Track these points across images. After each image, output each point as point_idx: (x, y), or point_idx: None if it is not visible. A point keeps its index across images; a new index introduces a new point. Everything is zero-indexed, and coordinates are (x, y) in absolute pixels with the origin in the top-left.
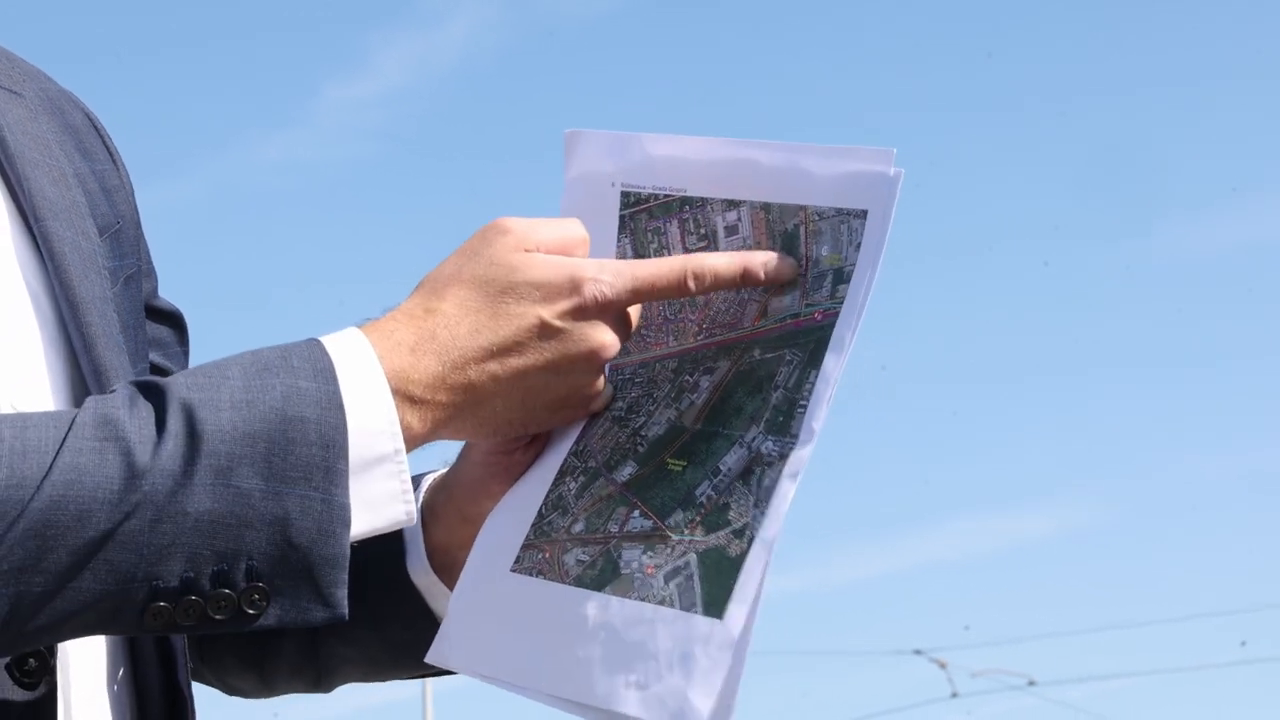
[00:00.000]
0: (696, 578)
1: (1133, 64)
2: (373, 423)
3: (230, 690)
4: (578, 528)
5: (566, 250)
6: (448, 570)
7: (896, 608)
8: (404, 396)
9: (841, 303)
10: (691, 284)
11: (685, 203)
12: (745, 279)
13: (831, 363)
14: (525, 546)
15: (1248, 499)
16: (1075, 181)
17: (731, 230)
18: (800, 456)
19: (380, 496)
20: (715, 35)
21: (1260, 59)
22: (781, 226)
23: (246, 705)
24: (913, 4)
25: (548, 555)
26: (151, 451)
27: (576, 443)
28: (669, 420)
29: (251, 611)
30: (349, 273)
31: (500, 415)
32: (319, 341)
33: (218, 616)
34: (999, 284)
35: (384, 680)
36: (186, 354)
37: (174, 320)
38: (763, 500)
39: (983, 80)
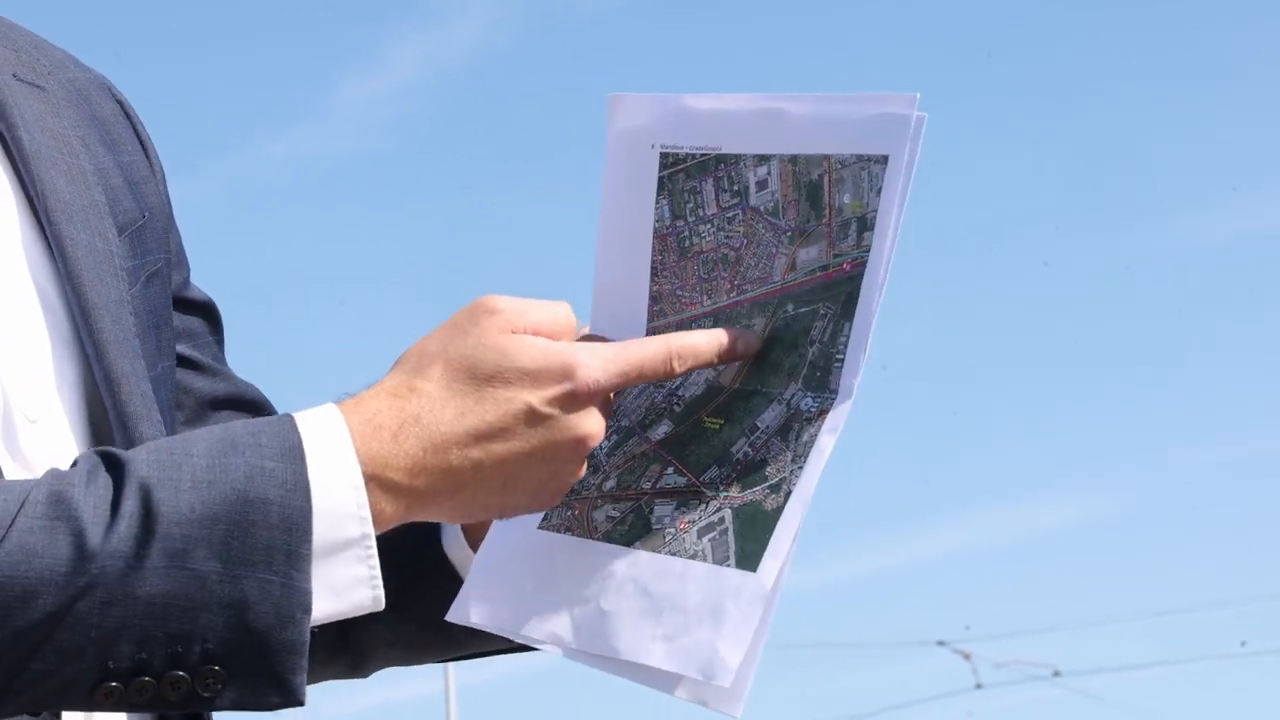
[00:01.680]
0: (731, 533)
1: (1131, 62)
2: (340, 506)
3: None
4: (609, 485)
5: (556, 335)
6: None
7: (920, 599)
8: (379, 482)
9: (868, 252)
10: (676, 365)
11: (720, 160)
12: (722, 355)
13: (863, 315)
14: (555, 505)
15: (1269, 485)
16: (1075, 180)
17: (761, 185)
18: (840, 412)
19: (345, 581)
20: (724, 31)
21: (1259, 56)
22: (807, 178)
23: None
24: (913, 3)
25: (577, 512)
26: (104, 533)
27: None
28: (707, 380)
29: (206, 694)
30: (362, 269)
31: (477, 500)
32: (292, 418)
33: (171, 698)
34: (999, 281)
35: (421, 662)
36: (220, 343)
37: (206, 310)
38: (800, 456)
39: (983, 79)
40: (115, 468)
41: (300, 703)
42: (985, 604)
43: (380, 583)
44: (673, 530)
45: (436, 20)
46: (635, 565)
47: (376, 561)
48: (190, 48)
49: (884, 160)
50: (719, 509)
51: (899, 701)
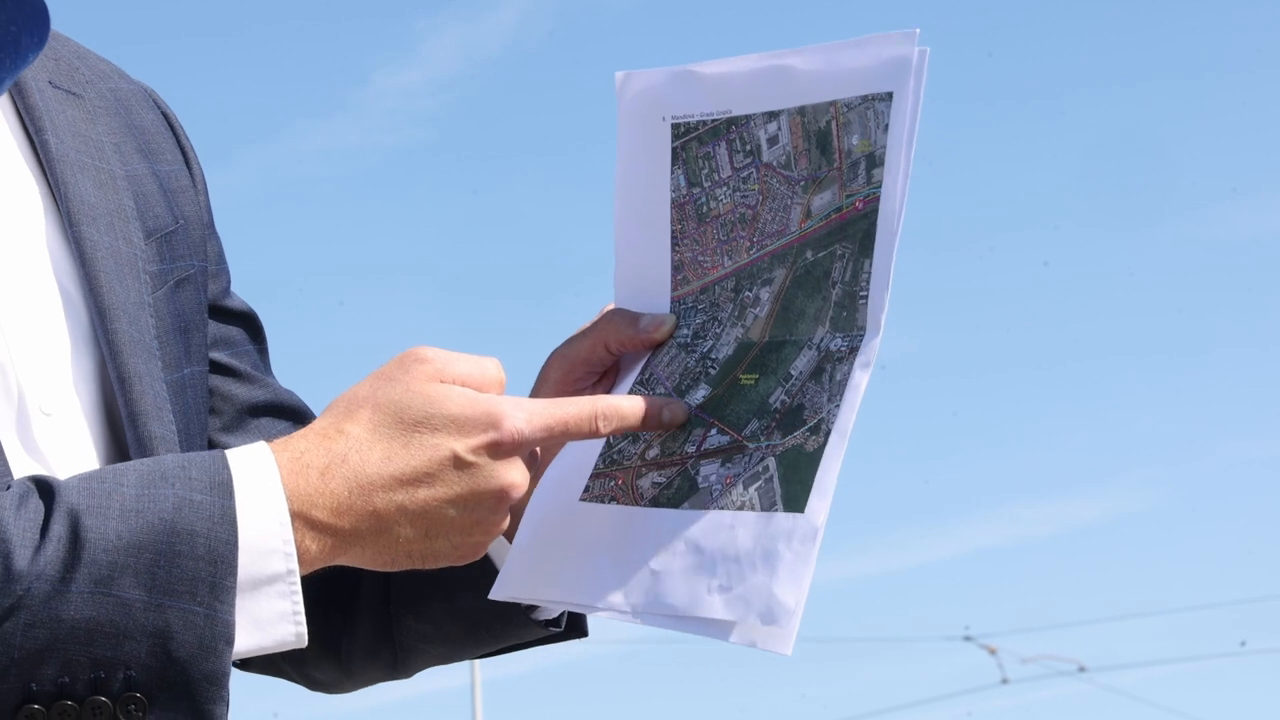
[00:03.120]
0: (776, 479)
1: (1132, 60)
2: (266, 542)
3: (312, 684)
4: (652, 453)
5: (482, 387)
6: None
7: (947, 594)
8: (305, 520)
9: (879, 187)
10: (600, 425)
11: (731, 123)
12: (646, 422)
13: (883, 248)
14: (594, 476)
15: None
16: (1076, 179)
17: (773, 141)
18: (871, 347)
19: (269, 615)
20: (749, 23)
21: (1261, 54)
22: (815, 126)
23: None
24: (913, 3)
25: (620, 482)
26: (31, 555)
27: (641, 372)
28: (736, 339)
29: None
30: (394, 260)
31: (400, 546)
32: (223, 454)
33: None
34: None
35: (460, 659)
36: (262, 352)
37: (246, 320)
38: (835, 394)
39: (982, 78)
40: (46, 494)
41: None
42: (1011, 599)
43: (303, 619)
44: (720, 487)
45: (473, 10)
46: (685, 524)
47: (300, 598)
48: (227, 39)
49: (889, 97)
50: (763, 458)
51: (925, 696)
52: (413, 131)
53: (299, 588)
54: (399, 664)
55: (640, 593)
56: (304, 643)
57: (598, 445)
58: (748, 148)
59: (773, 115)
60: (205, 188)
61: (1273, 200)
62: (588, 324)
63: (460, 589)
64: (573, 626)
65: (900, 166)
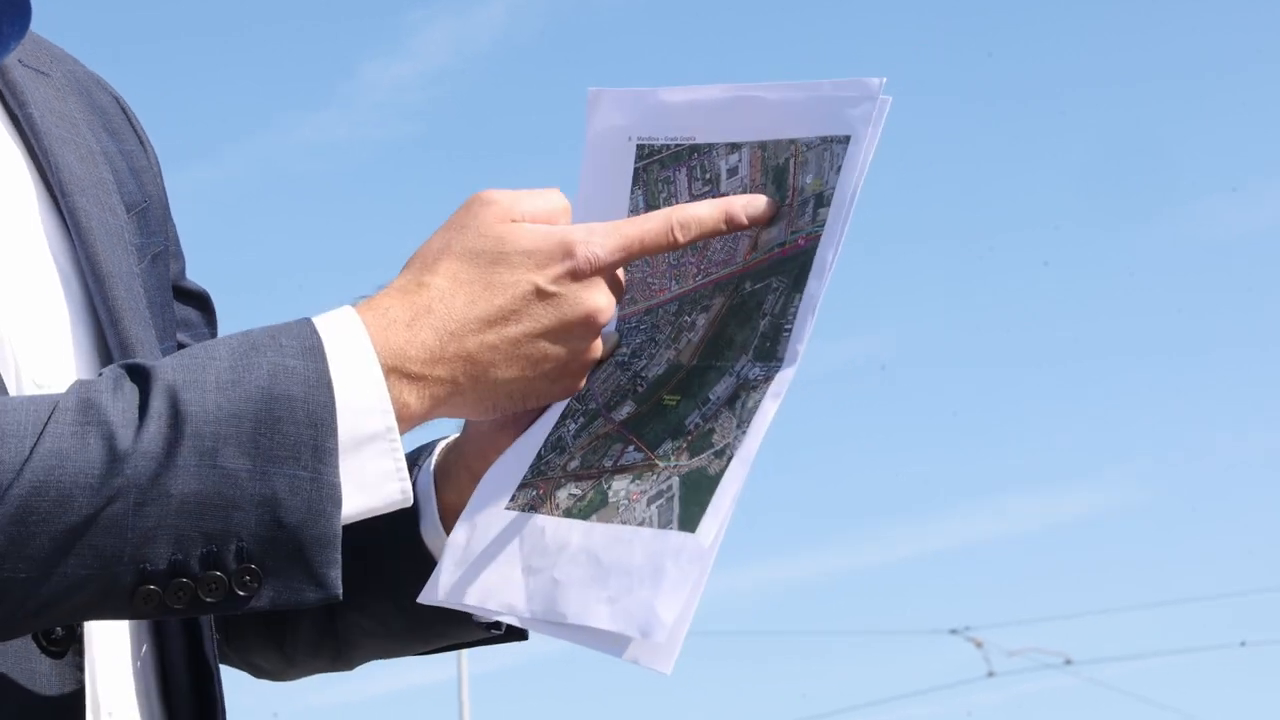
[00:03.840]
0: (676, 499)
1: (1132, 60)
2: (362, 400)
3: (256, 671)
4: (573, 465)
5: (551, 219)
6: None
7: (933, 587)
8: (400, 373)
9: (823, 226)
10: (679, 234)
11: (694, 150)
12: (728, 222)
13: (814, 285)
14: (522, 486)
15: None
16: (1075, 178)
17: (733, 172)
18: (784, 377)
19: (373, 475)
20: (744, 20)
21: (1260, 53)
22: (775, 162)
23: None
24: (914, 2)
25: (541, 491)
26: (134, 435)
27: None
28: (668, 360)
29: (243, 593)
30: (384, 254)
31: (500, 388)
32: (310, 321)
33: (209, 599)
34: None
35: (405, 653)
36: (214, 335)
37: (201, 301)
38: (745, 421)
39: (982, 78)
40: (140, 374)
41: (338, 596)
42: (998, 593)
43: (408, 477)
44: (626, 502)
45: (463, 5)
46: (589, 536)
47: (403, 456)
48: (214, 31)
49: (846, 140)
50: (669, 478)
51: (911, 689)
52: (401, 125)
53: (400, 445)
54: (340, 656)
55: (540, 601)
56: (409, 501)
57: (529, 456)
58: (707, 175)
59: (735, 147)
60: (160, 171)
61: (1272, 199)
62: None
63: (404, 587)
64: (512, 630)
65: (844, 208)
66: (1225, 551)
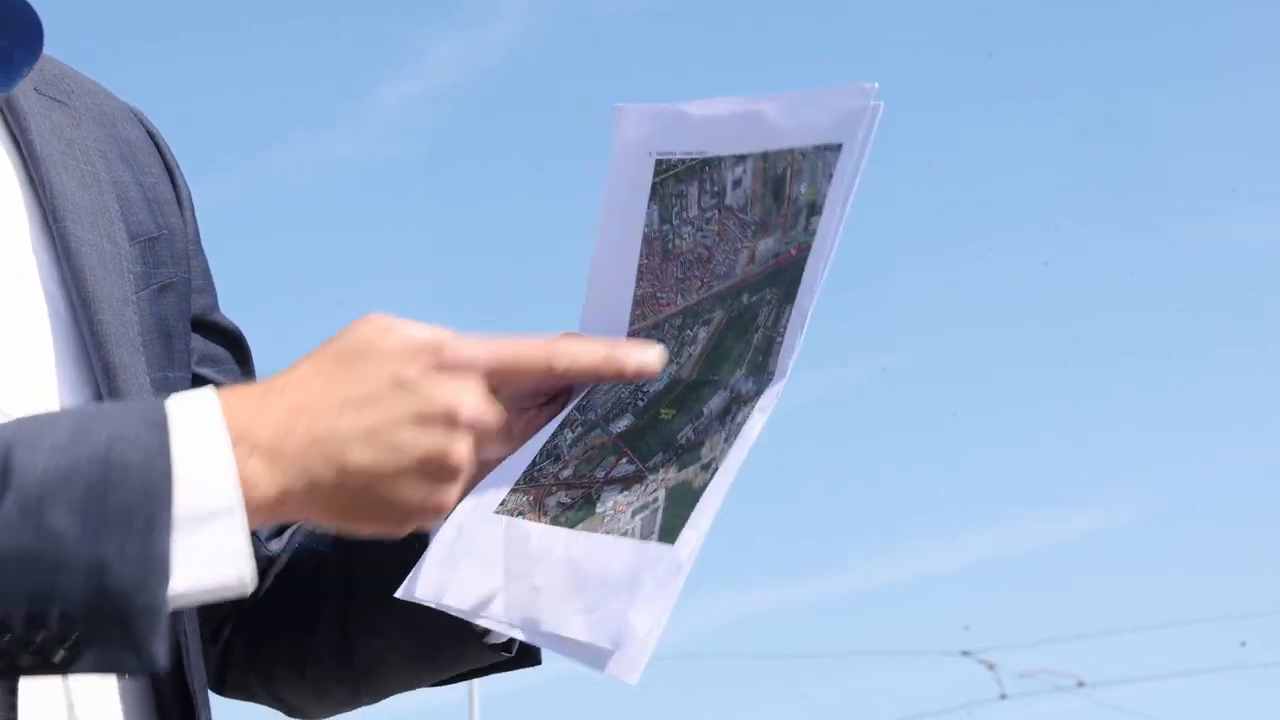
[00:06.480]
0: (660, 511)
1: (1132, 60)
2: (204, 475)
3: (287, 709)
4: (566, 474)
5: (435, 336)
6: None
7: (944, 608)
8: (249, 445)
9: (814, 235)
10: (554, 362)
11: (705, 164)
12: (606, 364)
13: (804, 296)
14: (514, 490)
15: None
16: (1076, 179)
17: (737, 184)
18: (773, 391)
19: (210, 554)
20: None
21: (1261, 53)
22: (774, 172)
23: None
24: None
25: (532, 498)
26: None
27: (581, 399)
28: (669, 375)
29: (64, 655)
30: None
31: (355, 478)
32: (162, 398)
33: (26, 663)
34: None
35: (420, 683)
36: (249, 373)
37: (232, 339)
38: (732, 435)
39: (983, 79)
40: None
41: (158, 667)
42: (1010, 613)
43: (250, 559)
44: (612, 513)
45: (473, 21)
46: (572, 545)
47: (245, 537)
48: (224, 49)
49: (838, 148)
50: (655, 490)
51: (923, 711)
52: (410, 143)
53: (242, 525)
54: (361, 685)
55: (518, 607)
56: (249, 587)
57: (525, 461)
58: (715, 189)
59: (741, 159)
60: (192, 206)
61: (1275, 201)
62: None
63: (413, 607)
64: (525, 654)
65: (835, 217)
66: (1242, 569)
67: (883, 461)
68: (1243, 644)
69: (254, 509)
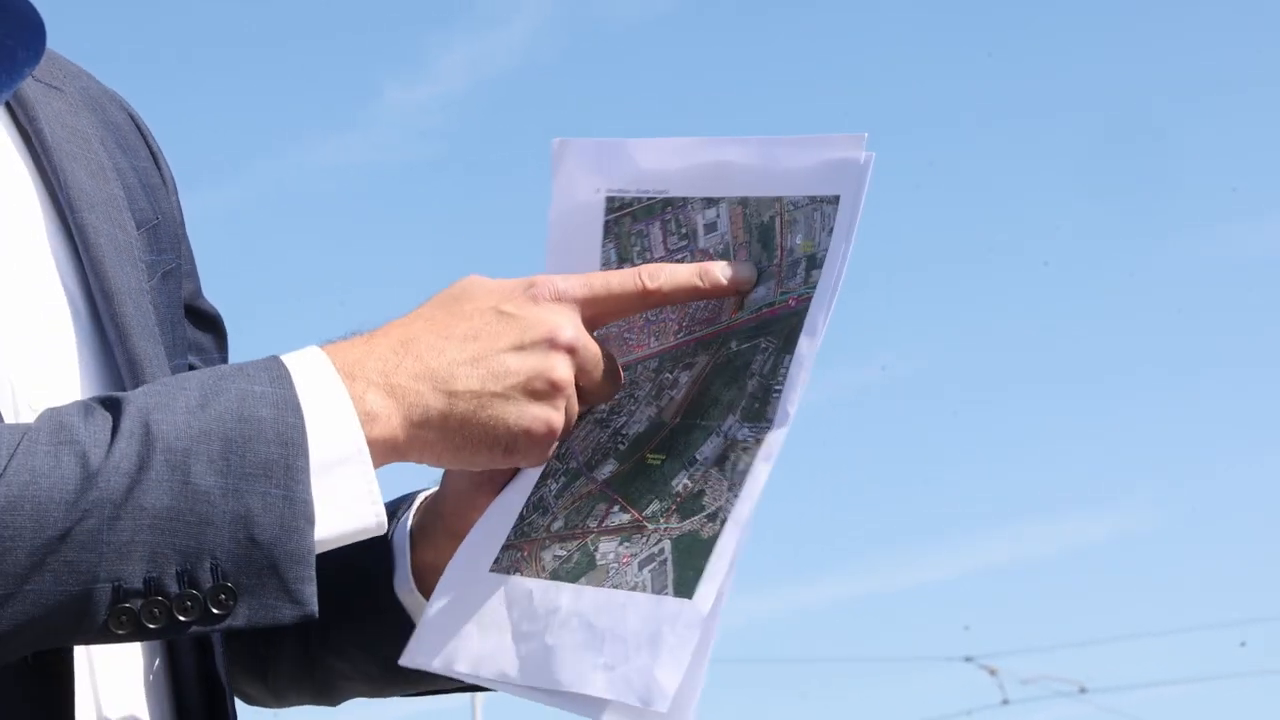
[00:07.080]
0: (670, 563)
1: (1132, 61)
2: (331, 423)
3: (247, 699)
4: (557, 525)
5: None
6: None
7: (946, 614)
8: (364, 381)
9: (814, 287)
10: (646, 281)
11: (667, 204)
12: (704, 278)
13: (805, 345)
14: (505, 547)
15: None
16: (1076, 179)
17: (710, 227)
18: (775, 438)
19: (346, 498)
20: (758, 36)
21: (1262, 54)
22: (758, 219)
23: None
24: (913, 3)
25: (525, 553)
26: (105, 452)
27: (559, 446)
28: (649, 417)
29: (218, 611)
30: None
31: (469, 407)
32: (276, 356)
33: (184, 618)
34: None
35: (387, 696)
36: (225, 359)
37: (214, 324)
38: (736, 484)
39: (983, 80)
40: (111, 402)
41: (313, 614)
42: (1012, 619)
43: (380, 502)
44: (616, 565)
45: (484, 25)
46: (579, 600)
47: (376, 482)
48: (236, 53)
49: (835, 200)
50: (659, 540)
51: (925, 716)
52: (421, 147)
53: (372, 471)
54: (322, 695)
55: (532, 667)
56: (383, 527)
57: (512, 516)
58: (683, 230)
59: (711, 202)
60: (176, 190)
61: (1274, 202)
62: None
63: (380, 641)
64: None
65: (836, 271)
66: (1244, 576)
67: (885, 468)
68: (1242, 644)
69: (376, 447)
